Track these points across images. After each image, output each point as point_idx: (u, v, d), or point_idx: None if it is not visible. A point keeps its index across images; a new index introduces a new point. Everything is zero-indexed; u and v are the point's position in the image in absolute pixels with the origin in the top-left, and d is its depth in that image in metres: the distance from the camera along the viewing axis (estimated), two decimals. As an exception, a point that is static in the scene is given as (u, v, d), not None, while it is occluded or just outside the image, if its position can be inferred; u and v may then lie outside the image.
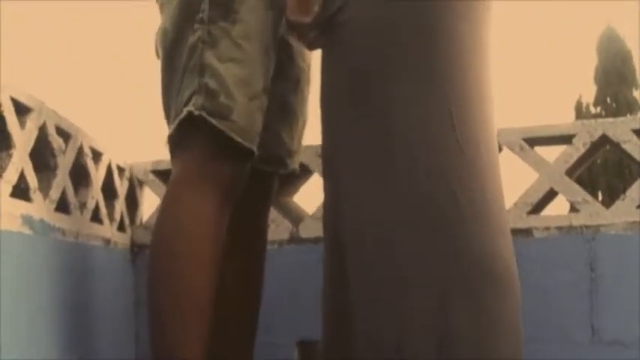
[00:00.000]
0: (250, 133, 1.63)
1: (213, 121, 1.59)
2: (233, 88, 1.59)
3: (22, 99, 2.03)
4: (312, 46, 1.69)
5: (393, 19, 1.47)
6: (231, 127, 1.59)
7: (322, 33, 1.60)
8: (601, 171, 16.76)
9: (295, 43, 1.82)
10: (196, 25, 1.61)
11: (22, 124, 2.04)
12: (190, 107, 1.59)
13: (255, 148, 1.65)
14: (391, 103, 1.46)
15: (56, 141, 2.24)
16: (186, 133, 1.62)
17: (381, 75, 1.48)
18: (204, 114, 1.59)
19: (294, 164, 1.97)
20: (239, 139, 1.61)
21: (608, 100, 19.49)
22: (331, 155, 1.58)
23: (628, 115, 17.99)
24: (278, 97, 1.77)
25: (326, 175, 1.63)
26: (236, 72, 1.60)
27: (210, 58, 1.59)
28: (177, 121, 1.61)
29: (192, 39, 1.61)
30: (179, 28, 1.64)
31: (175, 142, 1.66)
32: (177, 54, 1.63)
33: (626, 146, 2.56)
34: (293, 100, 1.89)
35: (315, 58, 1.84)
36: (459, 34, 1.46)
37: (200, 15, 1.61)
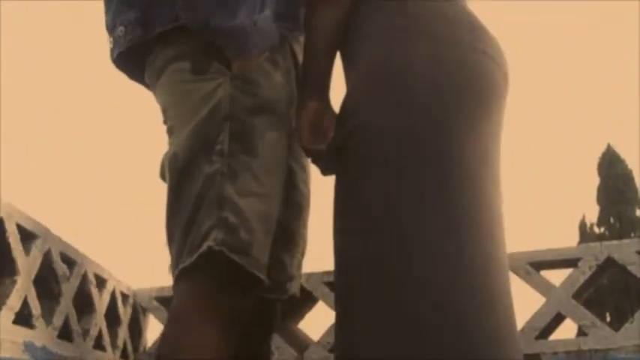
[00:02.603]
0: (265, 265, 1.62)
1: (235, 257, 1.56)
2: (254, 223, 1.57)
3: (28, 225, 2.04)
4: (326, 172, 1.68)
5: (400, 148, 1.49)
6: (251, 262, 1.57)
7: (335, 159, 1.60)
8: (608, 291, 16.61)
9: (299, 170, 1.84)
10: (214, 157, 1.57)
11: (27, 250, 2.04)
12: (210, 242, 1.55)
13: (266, 279, 1.63)
14: (401, 233, 1.45)
15: (61, 268, 2.24)
16: (199, 265, 1.59)
17: (391, 206, 1.47)
18: (225, 250, 1.56)
19: (294, 289, 1.95)
20: (258, 274, 1.59)
21: (612, 220, 19.51)
22: (342, 281, 1.56)
23: (632, 235, 17.98)
24: (281, 223, 1.76)
25: (337, 301, 1.60)
26: (257, 207, 1.58)
27: (229, 191, 1.56)
28: (195, 256, 1.58)
29: (208, 170, 1.57)
30: (192, 156, 1.60)
31: (185, 272, 1.62)
32: (188, 182, 1.60)
33: (631, 268, 2.55)
34: (295, 227, 1.88)
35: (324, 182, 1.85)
36: (471, 165, 1.47)
37: (218, 146, 1.57)
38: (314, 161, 1.68)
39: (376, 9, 1.55)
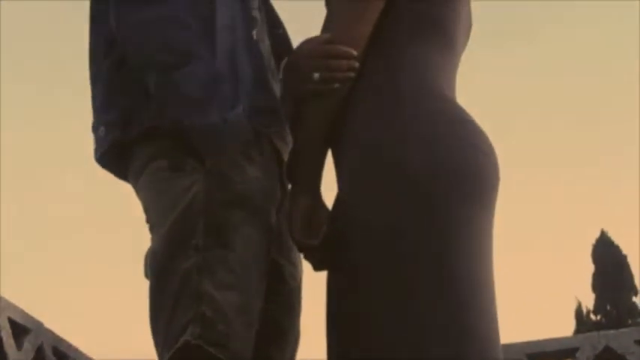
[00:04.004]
0: (246, 359, 1.60)
1: (212, 350, 1.55)
2: (231, 317, 1.56)
3: (20, 320, 2.03)
4: (318, 267, 1.67)
5: (394, 243, 1.48)
6: (230, 356, 1.56)
7: (328, 254, 1.59)
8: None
9: (288, 264, 1.82)
10: (190, 252, 1.58)
11: (19, 344, 2.03)
12: (188, 337, 1.54)
13: None
14: (397, 327, 1.44)
15: (53, 362, 2.21)
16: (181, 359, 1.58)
17: (386, 301, 1.47)
18: (201, 343, 1.55)
19: None
20: None
21: (608, 307, 19.41)
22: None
23: (629, 322, 17.87)
24: (269, 318, 1.74)
25: None
26: (234, 300, 1.57)
27: (206, 285, 1.56)
28: (172, 351, 1.57)
29: (186, 265, 1.58)
30: (171, 252, 1.60)
31: None
32: (167, 278, 1.60)
33: (630, 357, 2.54)
34: (285, 322, 1.86)
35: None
36: (466, 261, 1.47)
37: (194, 241, 1.58)
38: (306, 257, 1.67)
39: (370, 104, 1.57)
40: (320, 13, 1.66)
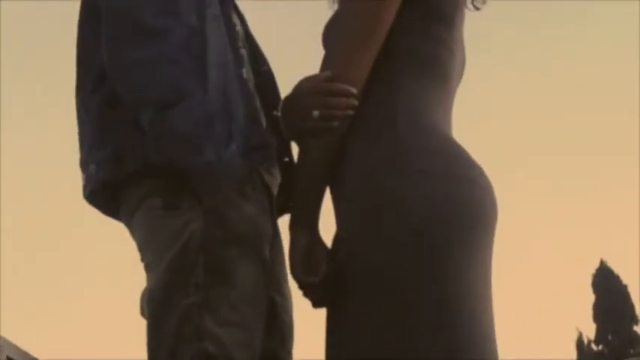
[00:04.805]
0: None
1: None
2: (234, 353, 1.56)
3: (18, 358, 2.01)
4: (317, 304, 1.67)
5: (394, 281, 1.48)
6: None
7: (327, 291, 1.59)
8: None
9: (281, 299, 1.82)
10: (191, 290, 1.58)
11: (17, 384, 2.01)
12: None
13: None
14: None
15: (50, 400, 2.19)
16: None
17: (385, 337, 1.46)
18: None
19: None
20: None
21: (610, 337, 19.34)
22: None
23: (631, 351, 17.80)
24: (265, 351, 1.75)
25: None
26: (237, 336, 1.57)
27: (208, 322, 1.56)
28: None
29: (186, 302, 1.57)
30: (169, 290, 1.60)
31: None
32: (166, 317, 1.59)
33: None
34: (280, 354, 1.86)
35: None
36: (465, 297, 1.46)
37: (194, 279, 1.58)
38: (305, 294, 1.66)
39: (369, 142, 1.57)
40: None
